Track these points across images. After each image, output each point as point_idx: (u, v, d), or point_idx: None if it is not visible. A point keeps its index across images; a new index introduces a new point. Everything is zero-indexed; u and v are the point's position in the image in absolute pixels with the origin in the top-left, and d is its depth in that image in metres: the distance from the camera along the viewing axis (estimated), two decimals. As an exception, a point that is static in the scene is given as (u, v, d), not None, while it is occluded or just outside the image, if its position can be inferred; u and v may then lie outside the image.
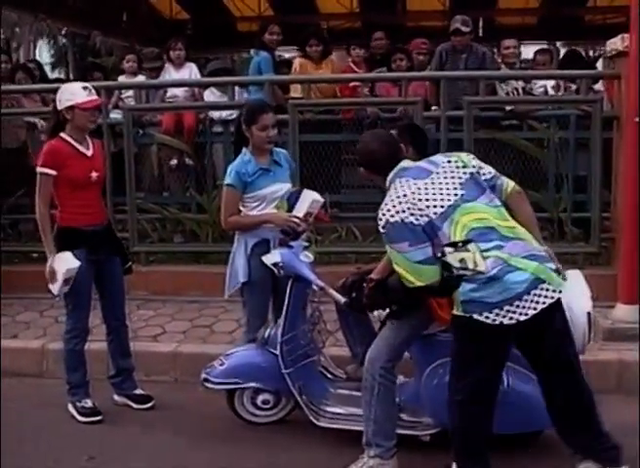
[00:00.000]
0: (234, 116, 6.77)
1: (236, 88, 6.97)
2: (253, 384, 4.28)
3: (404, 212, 3.39)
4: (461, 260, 3.29)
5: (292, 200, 4.40)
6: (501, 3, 14.01)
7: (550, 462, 3.91)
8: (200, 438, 4.34)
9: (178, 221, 6.92)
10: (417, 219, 3.37)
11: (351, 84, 6.97)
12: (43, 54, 19.81)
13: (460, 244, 3.31)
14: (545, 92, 7.07)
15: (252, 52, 7.53)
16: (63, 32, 15.89)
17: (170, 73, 7.53)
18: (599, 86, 6.91)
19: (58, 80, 11.43)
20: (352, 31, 13.55)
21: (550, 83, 7.11)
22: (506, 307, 3.26)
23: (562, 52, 17.41)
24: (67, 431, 4.44)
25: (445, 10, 13.53)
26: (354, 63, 7.61)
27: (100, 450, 4.19)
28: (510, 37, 7.66)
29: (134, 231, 6.36)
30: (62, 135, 4.43)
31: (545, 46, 11.63)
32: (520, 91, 6.88)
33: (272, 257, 4.15)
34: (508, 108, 6.61)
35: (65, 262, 4.33)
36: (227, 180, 4.42)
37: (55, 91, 7.51)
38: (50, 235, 4.40)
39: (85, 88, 4.44)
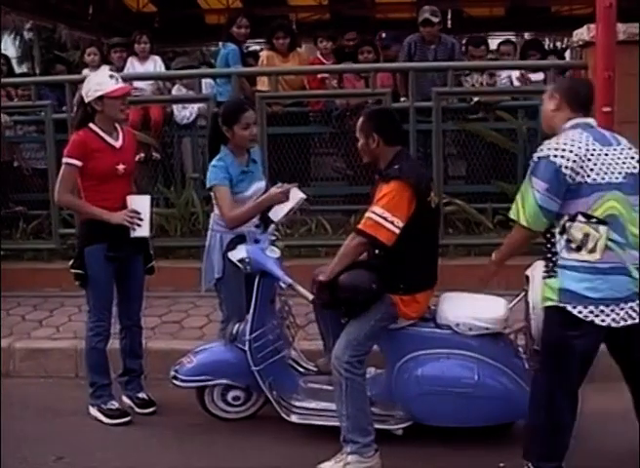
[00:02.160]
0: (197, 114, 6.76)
1: (208, 81, 6.91)
2: (223, 381, 4.22)
3: (568, 160, 3.24)
4: (586, 235, 3.22)
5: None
6: (469, -6, 14.04)
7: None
8: (170, 435, 4.27)
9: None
10: (574, 174, 3.24)
11: (319, 76, 6.92)
12: (9, 48, 19.53)
13: (595, 220, 3.22)
14: (510, 82, 7.07)
15: (220, 44, 7.45)
16: (29, 26, 15.65)
17: (134, 66, 7.42)
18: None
19: (24, 74, 11.26)
20: (321, 23, 13.49)
21: (515, 74, 7.12)
22: (602, 307, 3.23)
23: (527, 42, 17.57)
24: (33, 430, 4.35)
25: (413, 1, 13.49)
26: (322, 56, 7.56)
27: (69, 450, 4.11)
28: (478, 29, 7.67)
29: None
30: (91, 125, 4.28)
31: (509, 37, 11.68)
32: (484, 83, 6.86)
33: (238, 253, 4.08)
34: (475, 99, 6.59)
35: (140, 201, 4.29)
36: (213, 182, 4.27)
37: (18, 85, 7.58)
38: (88, 205, 4.28)
39: (112, 76, 4.30)
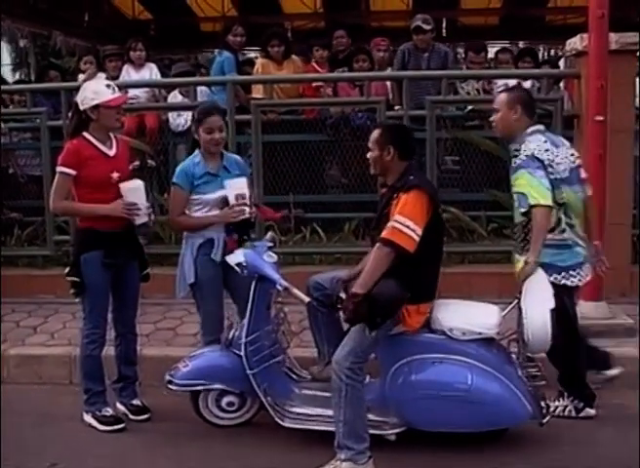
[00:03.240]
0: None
1: (203, 89, 6.93)
2: (217, 386, 4.24)
3: (548, 158, 4.01)
4: (558, 220, 4.09)
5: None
6: (464, 3, 14.09)
7: (519, 456, 3.94)
8: (165, 441, 4.29)
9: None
10: (551, 169, 4.02)
11: (314, 84, 6.95)
12: (4, 55, 19.50)
13: (559, 208, 4.06)
14: (507, 91, 7.10)
15: (215, 52, 7.49)
16: (24, 33, 15.64)
17: (129, 74, 7.45)
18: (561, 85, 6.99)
19: (19, 81, 11.29)
20: (316, 31, 13.53)
21: (512, 82, 7.15)
22: (570, 272, 4.12)
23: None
24: (28, 437, 4.35)
25: (408, 10, 13.56)
26: (317, 64, 7.59)
27: (63, 456, 4.12)
28: (473, 37, 7.70)
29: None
30: (85, 134, 4.30)
31: (507, 45, 11.73)
32: (481, 91, 6.91)
33: (236, 257, 4.13)
34: (469, 108, 6.63)
35: (134, 190, 4.28)
36: (174, 179, 4.45)
37: (13, 92, 7.60)
38: (83, 205, 4.31)
39: (108, 86, 4.33)
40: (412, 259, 3.70)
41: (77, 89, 7.00)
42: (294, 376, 4.38)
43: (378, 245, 3.73)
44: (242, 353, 4.10)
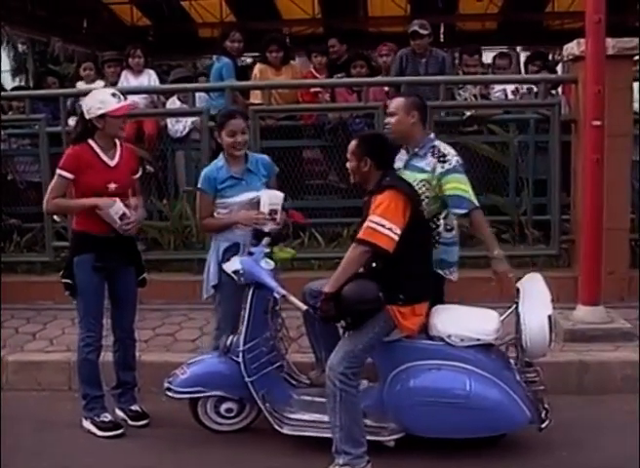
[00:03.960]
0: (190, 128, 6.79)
1: (202, 95, 6.94)
2: (216, 392, 4.24)
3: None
4: (454, 221, 4.43)
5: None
6: (462, 8, 14.12)
7: (518, 461, 3.95)
8: (164, 447, 4.28)
9: (139, 229, 6.85)
10: None
11: (312, 90, 6.95)
12: (3, 61, 19.52)
13: None
14: (505, 96, 7.13)
15: (214, 58, 7.49)
16: (23, 39, 15.67)
17: (128, 80, 7.45)
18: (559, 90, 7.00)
19: (18, 87, 11.29)
20: (314, 37, 13.55)
21: (510, 87, 7.17)
22: (454, 267, 4.44)
23: (522, 56, 17.67)
24: (27, 443, 4.35)
25: (406, 15, 13.58)
26: (316, 70, 7.58)
27: (63, 462, 4.12)
28: (471, 42, 7.70)
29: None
30: (90, 141, 4.33)
31: (505, 50, 11.75)
32: (478, 97, 6.92)
33: (232, 265, 4.13)
34: (468, 114, 6.63)
35: (115, 207, 4.26)
36: (198, 184, 4.49)
37: (12, 99, 7.61)
38: (75, 200, 4.35)
39: (114, 95, 4.34)
40: (396, 260, 3.73)
41: (76, 95, 7.16)
42: (292, 382, 4.38)
43: (352, 245, 3.78)
44: (240, 360, 4.11)
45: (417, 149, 4.35)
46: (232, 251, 4.38)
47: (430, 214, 4.24)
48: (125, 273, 4.48)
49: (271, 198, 4.38)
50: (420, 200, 4.03)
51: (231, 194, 4.43)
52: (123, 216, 4.28)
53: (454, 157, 4.27)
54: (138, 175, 4.62)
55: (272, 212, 4.35)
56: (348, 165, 4.05)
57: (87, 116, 4.30)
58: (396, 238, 3.69)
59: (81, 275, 4.34)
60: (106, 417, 4.45)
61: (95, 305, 4.40)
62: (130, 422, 4.53)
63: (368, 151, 3.95)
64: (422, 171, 4.28)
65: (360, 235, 3.73)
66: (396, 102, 4.42)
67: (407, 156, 4.39)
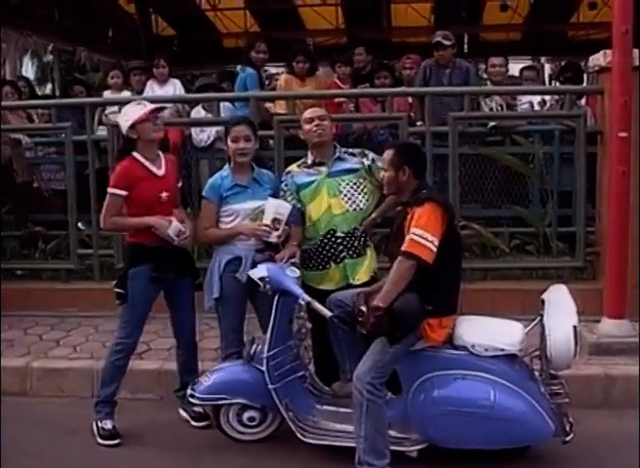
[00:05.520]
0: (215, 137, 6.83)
1: (226, 104, 6.98)
2: (239, 400, 4.25)
3: None
4: None
5: None
6: (486, 19, 14.15)
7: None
8: (186, 457, 4.30)
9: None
10: None
11: (336, 100, 6.98)
12: (29, 70, 19.75)
13: None
14: (532, 107, 7.12)
15: (238, 68, 7.53)
16: (49, 49, 15.86)
17: (153, 89, 7.54)
18: (583, 101, 6.97)
19: (45, 96, 11.41)
20: (338, 47, 13.61)
21: (537, 99, 7.16)
22: None
23: (547, 67, 17.64)
24: (49, 450, 4.38)
25: (430, 26, 13.63)
26: (340, 80, 7.62)
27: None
28: (496, 53, 7.70)
29: (118, 248, 6.32)
30: (134, 154, 4.43)
31: (531, 63, 11.75)
32: (504, 107, 6.91)
33: (259, 272, 4.16)
34: (491, 124, 6.63)
35: (172, 228, 4.35)
36: (203, 193, 4.55)
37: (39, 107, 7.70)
38: (131, 219, 4.43)
39: (138, 103, 4.49)
40: (430, 272, 3.74)
41: (102, 104, 7.23)
42: (315, 392, 4.38)
43: (399, 258, 3.76)
44: (264, 368, 4.12)
45: (337, 154, 4.60)
46: (234, 264, 4.42)
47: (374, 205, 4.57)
48: (182, 281, 4.56)
49: (278, 207, 4.40)
50: (454, 212, 4.06)
51: (236, 201, 4.47)
52: (179, 233, 4.37)
53: (368, 151, 4.65)
54: (180, 185, 4.72)
55: (275, 221, 4.36)
56: (383, 175, 4.08)
57: (123, 132, 4.44)
58: (435, 250, 3.72)
59: (137, 286, 4.41)
60: (106, 425, 4.47)
61: (141, 315, 4.50)
62: (193, 423, 4.61)
63: (406, 160, 3.99)
64: (353, 170, 4.56)
65: (406, 248, 3.73)
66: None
67: (323, 168, 4.56)
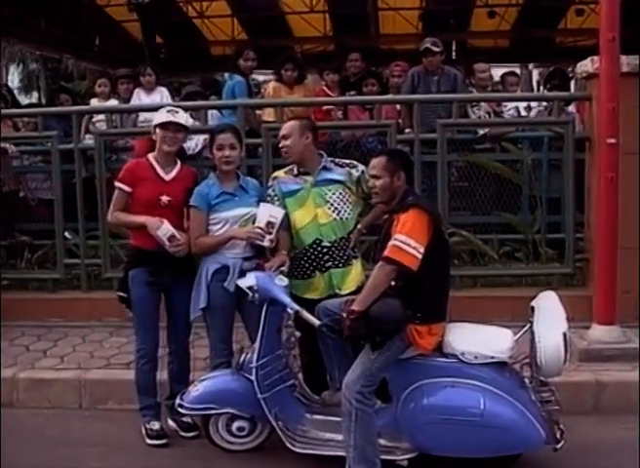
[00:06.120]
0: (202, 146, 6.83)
1: (214, 112, 6.98)
2: (228, 410, 4.24)
3: None
4: None
5: None
6: (474, 26, 14.21)
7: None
8: (172, 465, 4.30)
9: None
10: None
11: (325, 107, 6.99)
12: (15, 78, 19.72)
13: None
14: (518, 113, 7.15)
15: (226, 75, 7.54)
16: (35, 57, 15.85)
17: (140, 98, 7.52)
18: (571, 107, 7.00)
19: (31, 105, 11.36)
20: (326, 54, 13.65)
21: (522, 104, 7.19)
22: None
23: (535, 73, 17.72)
24: (37, 462, 4.35)
25: (418, 33, 13.68)
26: (328, 87, 7.64)
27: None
28: (482, 60, 7.74)
29: (106, 257, 6.31)
30: (149, 155, 4.57)
31: (513, 68, 11.81)
32: (492, 113, 6.94)
33: (247, 281, 4.15)
34: (481, 132, 6.64)
35: (162, 229, 4.37)
36: (190, 202, 4.50)
37: (25, 116, 7.67)
38: (131, 215, 4.50)
39: (169, 111, 4.55)
40: (416, 279, 3.75)
41: (88, 112, 7.22)
42: (304, 401, 4.37)
43: (380, 263, 3.78)
44: (253, 377, 4.11)
45: (324, 164, 4.57)
46: (222, 273, 4.41)
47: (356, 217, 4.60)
48: (180, 288, 4.55)
49: (271, 210, 4.40)
50: (441, 219, 4.06)
51: (224, 209, 4.46)
52: (172, 238, 4.37)
53: (356, 163, 4.62)
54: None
55: (269, 224, 4.35)
56: (376, 182, 4.04)
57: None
58: (420, 256, 3.72)
59: (135, 289, 4.50)
60: (154, 426, 4.55)
61: (148, 319, 4.54)
62: (181, 433, 4.61)
63: (401, 165, 4.02)
64: (338, 181, 4.54)
65: (387, 254, 3.74)
66: (289, 126, 4.63)
67: (308, 177, 4.55)
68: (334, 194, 4.51)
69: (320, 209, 4.49)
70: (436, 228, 3.86)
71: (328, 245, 4.49)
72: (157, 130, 4.49)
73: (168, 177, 4.53)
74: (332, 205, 4.50)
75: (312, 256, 4.50)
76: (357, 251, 4.64)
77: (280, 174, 4.72)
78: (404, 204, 3.87)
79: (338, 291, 4.47)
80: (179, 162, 4.61)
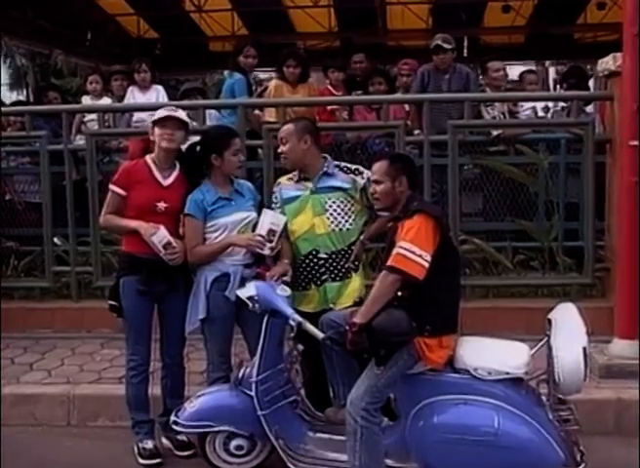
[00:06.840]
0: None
1: (212, 112, 6.97)
2: (226, 427, 4.22)
3: None
4: None
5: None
6: (487, 21, 14.18)
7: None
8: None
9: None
10: None
11: (329, 108, 6.98)
12: (3, 74, 19.73)
13: None
14: (535, 113, 7.12)
15: (225, 73, 7.54)
16: (22, 51, 15.85)
17: (135, 96, 7.52)
18: (590, 108, 6.99)
19: (17, 102, 11.37)
20: (330, 51, 13.64)
21: (540, 104, 7.17)
22: None
23: (551, 71, 17.70)
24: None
25: (428, 28, 13.67)
26: (333, 87, 7.63)
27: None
28: (496, 57, 7.71)
29: (97, 264, 6.31)
30: (147, 157, 4.54)
31: (532, 67, 11.81)
32: (507, 115, 6.93)
33: (247, 290, 4.14)
34: (495, 133, 6.62)
35: (158, 235, 4.34)
36: (185, 211, 4.45)
37: (11, 115, 7.68)
38: (122, 219, 4.48)
39: (169, 109, 4.55)
40: (424, 288, 3.73)
41: (79, 111, 7.22)
42: (307, 418, 4.35)
43: (383, 272, 3.77)
44: (253, 393, 4.10)
45: (325, 169, 4.51)
46: (222, 281, 4.39)
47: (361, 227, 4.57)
48: (174, 297, 4.53)
49: (273, 218, 4.40)
50: (448, 225, 4.02)
51: (222, 215, 4.44)
52: (167, 245, 4.35)
53: (363, 169, 4.54)
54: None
55: (271, 232, 4.35)
56: (377, 188, 4.04)
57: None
58: (427, 265, 3.70)
59: (126, 298, 4.48)
60: (147, 445, 4.53)
61: (140, 329, 4.52)
62: (176, 452, 4.59)
63: (403, 170, 4.01)
64: (340, 188, 4.49)
65: (390, 262, 3.73)
66: (286, 129, 4.55)
67: (309, 183, 4.52)
68: (334, 202, 4.48)
69: (318, 218, 4.47)
70: (443, 234, 3.84)
71: (325, 256, 4.47)
72: (155, 128, 4.45)
73: (166, 183, 4.49)
74: (331, 214, 4.47)
75: (308, 268, 4.49)
76: (358, 264, 4.60)
77: (283, 180, 4.70)
78: (408, 210, 3.86)
79: (332, 305, 4.45)
80: (178, 166, 4.56)
